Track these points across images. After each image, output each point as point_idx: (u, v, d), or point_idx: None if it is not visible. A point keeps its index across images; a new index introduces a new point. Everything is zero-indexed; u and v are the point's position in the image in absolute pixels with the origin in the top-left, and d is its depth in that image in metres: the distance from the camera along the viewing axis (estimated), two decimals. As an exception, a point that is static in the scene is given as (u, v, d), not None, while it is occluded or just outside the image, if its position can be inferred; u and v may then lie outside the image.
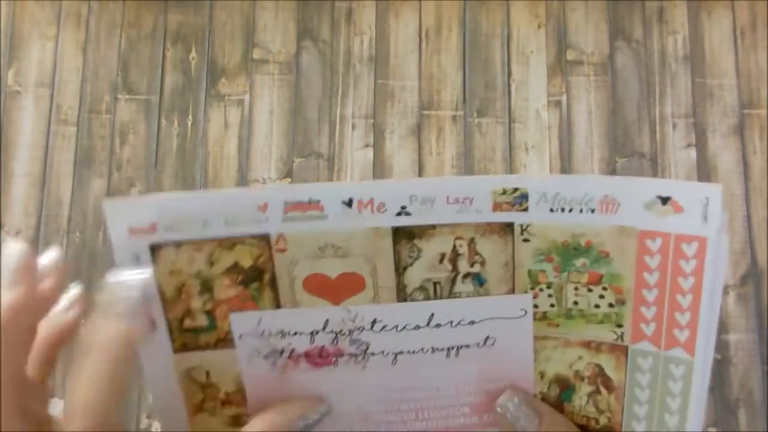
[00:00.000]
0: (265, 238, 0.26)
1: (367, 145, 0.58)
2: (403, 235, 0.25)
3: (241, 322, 0.26)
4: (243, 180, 0.58)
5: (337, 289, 0.27)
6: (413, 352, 0.26)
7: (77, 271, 0.56)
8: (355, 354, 0.26)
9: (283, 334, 0.25)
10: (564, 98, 0.59)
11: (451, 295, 0.26)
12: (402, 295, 0.26)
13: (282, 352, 0.26)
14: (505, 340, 0.26)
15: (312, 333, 0.26)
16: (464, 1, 0.61)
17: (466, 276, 0.26)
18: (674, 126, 0.59)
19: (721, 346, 0.55)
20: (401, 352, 0.26)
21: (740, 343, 0.55)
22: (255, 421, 0.27)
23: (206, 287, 0.27)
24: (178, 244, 0.26)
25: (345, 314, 0.25)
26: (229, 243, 0.27)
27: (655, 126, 0.59)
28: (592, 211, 0.25)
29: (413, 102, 0.59)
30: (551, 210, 0.25)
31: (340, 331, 0.25)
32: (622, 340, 0.27)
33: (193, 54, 0.60)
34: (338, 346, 0.26)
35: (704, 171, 0.58)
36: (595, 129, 0.59)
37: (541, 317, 0.28)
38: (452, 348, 0.26)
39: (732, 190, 0.58)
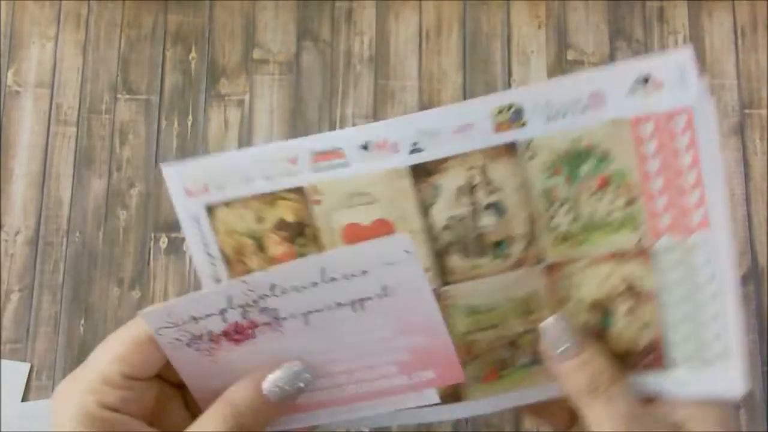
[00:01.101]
0: (300, 191, 0.26)
1: (367, 145, 0.58)
2: (421, 174, 0.25)
3: (152, 320, 0.26)
4: (243, 180, 0.58)
5: (374, 236, 0.27)
6: (321, 310, 0.26)
7: (77, 272, 0.56)
8: (268, 322, 0.26)
9: (195, 319, 0.25)
10: (564, 98, 0.59)
11: (477, 229, 0.26)
12: (431, 236, 0.26)
13: (201, 336, 0.26)
14: (401, 288, 0.26)
15: (221, 312, 0.26)
16: (464, 1, 0.61)
17: (487, 207, 0.26)
18: (675, 126, 0.59)
19: (722, 347, 0.55)
20: (310, 312, 0.26)
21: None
22: (208, 413, 0.26)
23: (260, 246, 0.28)
24: (228, 203, 0.27)
25: (243, 286, 0.25)
26: (271, 198, 0.27)
27: (655, 126, 0.59)
28: (584, 110, 0.25)
29: (413, 102, 0.59)
30: (547, 119, 0.25)
31: (246, 304, 0.25)
32: (643, 241, 0.27)
33: (193, 54, 0.60)
34: (250, 318, 0.26)
35: (705, 171, 0.58)
36: (596, 129, 0.59)
37: (563, 238, 0.27)
38: (355, 301, 0.26)
39: (732, 190, 0.58)
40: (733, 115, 0.59)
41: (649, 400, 0.29)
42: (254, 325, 0.26)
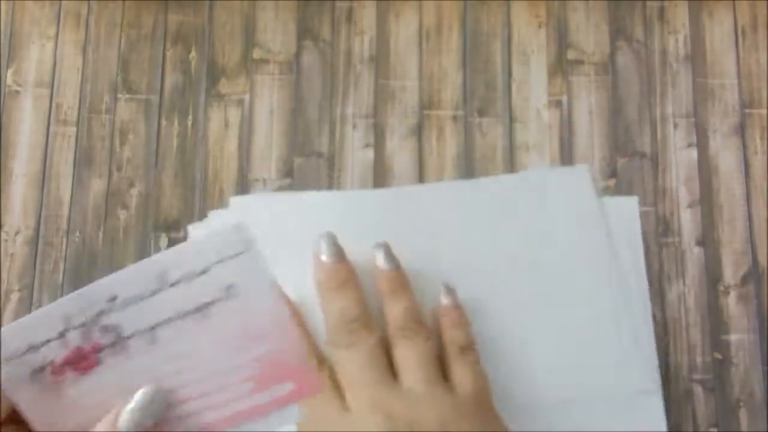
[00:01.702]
0: None
1: (367, 145, 0.58)
2: None
3: None
4: (243, 180, 0.58)
5: None
6: (166, 322, 0.24)
7: (77, 271, 0.56)
8: (112, 342, 0.24)
9: (33, 348, 0.23)
10: (565, 98, 0.59)
11: None
12: None
13: (43, 369, 0.23)
14: (244, 285, 0.24)
15: (61, 335, 0.23)
16: (465, 1, 0.61)
17: None
18: (675, 126, 0.59)
19: (722, 346, 0.55)
20: (155, 326, 0.24)
21: (741, 343, 0.55)
22: None
23: None
24: None
25: (79, 301, 0.23)
26: None
27: (656, 126, 0.59)
28: None
29: (414, 102, 0.59)
30: None
31: (85, 322, 0.23)
32: None
33: (193, 54, 0.60)
34: (92, 340, 0.24)
35: (705, 171, 0.58)
36: (596, 129, 0.59)
37: None
38: (200, 308, 0.24)
39: (733, 190, 0.58)
40: (734, 115, 0.59)
41: None
42: (98, 348, 0.24)
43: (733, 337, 0.55)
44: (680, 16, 0.61)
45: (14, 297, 0.56)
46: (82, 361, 0.24)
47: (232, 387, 0.25)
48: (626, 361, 0.51)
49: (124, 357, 0.24)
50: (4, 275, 0.56)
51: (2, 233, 0.57)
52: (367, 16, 0.61)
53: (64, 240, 0.57)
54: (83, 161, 0.58)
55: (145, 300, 0.23)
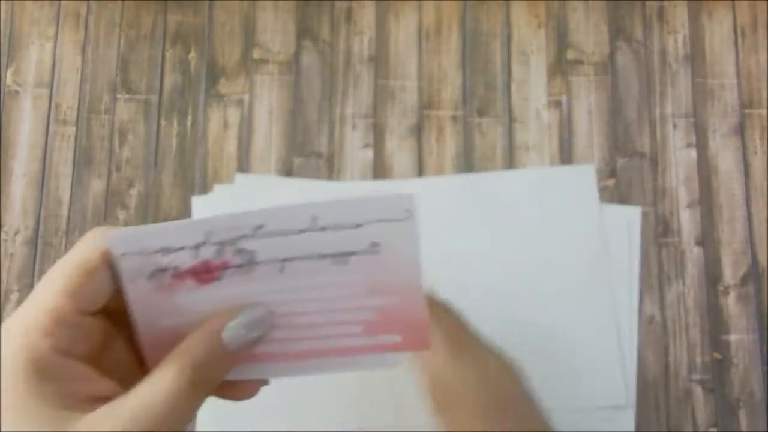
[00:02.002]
0: None
1: (367, 145, 0.58)
2: None
3: (117, 243, 0.23)
4: (243, 180, 0.58)
5: None
6: (301, 258, 0.24)
7: (76, 272, 0.56)
8: (241, 264, 0.24)
9: (165, 250, 0.24)
10: (564, 98, 0.59)
11: None
12: None
13: (165, 270, 0.24)
14: (391, 246, 0.25)
15: (196, 246, 0.24)
16: (464, 1, 0.61)
17: None
18: (675, 126, 0.59)
19: (722, 346, 0.55)
20: (288, 259, 0.25)
21: (741, 343, 0.55)
22: (164, 366, 0.23)
23: None
24: None
25: (228, 222, 0.24)
26: None
27: (655, 126, 0.59)
28: None
29: (413, 102, 0.59)
30: None
31: (224, 242, 0.24)
32: None
33: (193, 54, 0.60)
34: (223, 258, 0.24)
35: (705, 171, 0.58)
36: (596, 129, 0.59)
37: None
38: (339, 254, 0.25)
39: (733, 190, 0.58)
40: (733, 115, 0.59)
41: None
42: (225, 266, 0.24)
43: (733, 337, 0.55)
44: (680, 16, 0.61)
45: (14, 297, 0.56)
46: (205, 274, 0.24)
47: (341, 326, 0.26)
48: (603, 375, 0.51)
49: (247, 279, 0.24)
50: (4, 275, 0.56)
51: (2, 233, 0.57)
52: (367, 16, 0.61)
53: (64, 240, 0.57)
54: (83, 161, 0.58)
55: (290, 236, 0.24)
